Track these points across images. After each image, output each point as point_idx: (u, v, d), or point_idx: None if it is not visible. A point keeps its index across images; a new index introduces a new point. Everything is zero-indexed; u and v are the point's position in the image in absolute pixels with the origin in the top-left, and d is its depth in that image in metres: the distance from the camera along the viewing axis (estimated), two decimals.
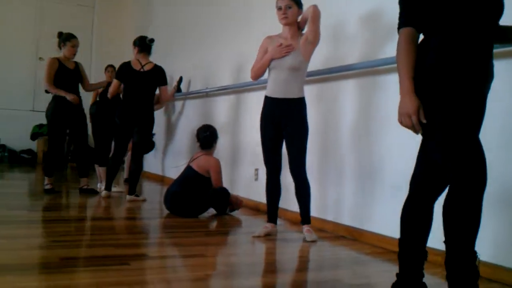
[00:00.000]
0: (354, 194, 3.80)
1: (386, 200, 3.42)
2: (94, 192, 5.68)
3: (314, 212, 3.79)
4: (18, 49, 10.09)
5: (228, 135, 5.57)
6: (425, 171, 2.16)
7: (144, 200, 5.34)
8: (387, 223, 3.32)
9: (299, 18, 3.67)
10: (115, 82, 5.45)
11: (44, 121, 9.94)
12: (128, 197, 5.27)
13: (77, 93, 5.64)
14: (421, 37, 2.12)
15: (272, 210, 3.79)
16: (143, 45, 5.46)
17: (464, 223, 1.97)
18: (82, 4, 10.61)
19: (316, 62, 3.95)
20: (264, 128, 3.72)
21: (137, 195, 5.33)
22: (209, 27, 6.43)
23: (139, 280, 2.51)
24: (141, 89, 5.31)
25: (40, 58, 10.30)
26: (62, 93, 5.54)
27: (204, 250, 3.29)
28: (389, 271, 2.45)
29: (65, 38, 5.71)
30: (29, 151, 10.02)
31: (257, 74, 3.76)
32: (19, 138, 9.89)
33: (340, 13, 4.02)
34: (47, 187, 5.59)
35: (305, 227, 3.68)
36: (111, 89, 5.49)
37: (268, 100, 3.69)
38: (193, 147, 5.75)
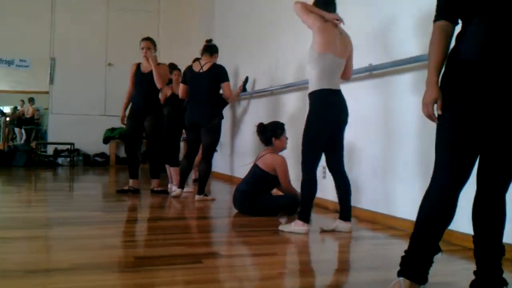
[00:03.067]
0: (423, 190, 3.66)
1: (461, 195, 3.27)
2: (165, 193, 5.81)
3: (384, 209, 3.70)
4: (89, 56, 10.50)
5: (294, 133, 5.52)
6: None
7: (213, 200, 5.40)
8: (463, 219, 3.18)
9: None
10: (181, 86, 5.59)
11: (116, 125, 10.39)
12: (197, 197, 5.34)
13: (151, 94, 5.81)
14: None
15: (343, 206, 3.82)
16: (203, 47, 5.56)
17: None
18: (148, 10, 10.89)
19: (380, 55, 3.84)
20: None
21: (206, 195, 5.39)
22: (273, 26, 6.41)
23: (212, 278, 2.52)
24: (202, 89, 5.38)
25: (109, 64, 10.67)
26: (123, 107, 6.07)
27: (275, 248, 3.28)
28: (467, 269, 2.34)
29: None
30: (102, 155, 10.40)
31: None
32: (92, 142, 10.30)
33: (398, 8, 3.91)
34: (157, 189, 5.89)
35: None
36: (180, 93, 5.62)
37: None
38: (259, 145, 5.75)
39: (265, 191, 4.60)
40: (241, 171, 6.00)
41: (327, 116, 3.63)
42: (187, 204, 5.20)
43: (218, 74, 5.42)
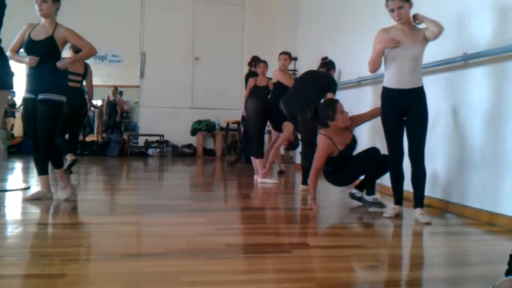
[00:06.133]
0: None
1: None
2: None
3: (487, 205, 3.55)
4: (177, 51, 10.79)
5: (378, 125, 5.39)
6: None
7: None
8: None
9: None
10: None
11: (203, 117, 10.63)
12: (301, 186, 5.38)
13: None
14: None
15: (398, 193, 3.96)
16: (320, 65, 5.97)
17: None
18: (233, 3, 11.01)
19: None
20: (389, 118, 3.87)
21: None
22: (359, 16, 6.28)
23: (302, 268, 2.50)
24: (307, 85, 5.51)
25: (196, 58, 10.91)
26: None
27: (364, 241, 3.21)
28: None
29: None
30: (189, 146, 10.68)
31: (374, 66, 3.87)
32: (180, 134, 10.60)
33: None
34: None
35: (418, 210, 3.77)
36: None
37: (392, 91, 3.79)
38: None
39: (336, 171, 4.46)
40: None
41: None
42: (273, 195, 5.22)
43: (330, 83, 5.53)
